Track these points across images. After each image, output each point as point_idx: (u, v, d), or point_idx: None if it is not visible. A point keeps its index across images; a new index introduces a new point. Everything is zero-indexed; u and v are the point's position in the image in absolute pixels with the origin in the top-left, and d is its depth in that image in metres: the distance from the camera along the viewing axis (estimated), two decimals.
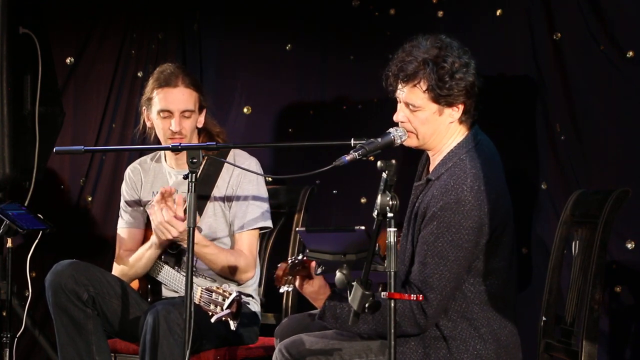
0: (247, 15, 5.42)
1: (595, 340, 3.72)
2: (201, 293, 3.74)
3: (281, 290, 3.69)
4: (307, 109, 5.30)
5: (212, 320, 3.70)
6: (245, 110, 5.42)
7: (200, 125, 4.47)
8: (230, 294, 3.70)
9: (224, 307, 3.68)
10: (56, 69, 5.52)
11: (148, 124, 4.48)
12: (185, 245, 4.19)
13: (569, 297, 4.00)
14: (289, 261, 3.66)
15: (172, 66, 4.45)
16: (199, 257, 4.27)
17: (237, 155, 4.44)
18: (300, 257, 3.67)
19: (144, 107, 4.48)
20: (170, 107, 4.37)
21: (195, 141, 4.44)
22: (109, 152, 5.56)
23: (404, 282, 3.65)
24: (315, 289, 3.70)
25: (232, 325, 3.72)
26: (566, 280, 4.10)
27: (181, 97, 4.37)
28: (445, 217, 3.57)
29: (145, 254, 4.38)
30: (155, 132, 4.47)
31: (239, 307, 3.71)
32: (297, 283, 3.70)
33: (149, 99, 4.42)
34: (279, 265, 3.69)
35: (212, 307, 3.70)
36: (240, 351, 4.38)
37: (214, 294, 3.72)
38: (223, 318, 3.69)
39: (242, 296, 3.75)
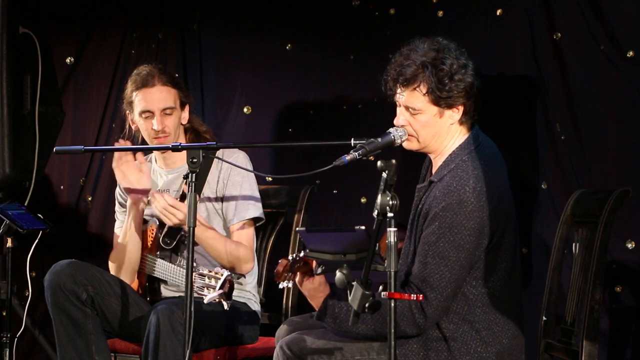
0: (247, 15, 5.42)
1: (596, 340, 3.72)
2: (194, 278, 3.75)
3: (280, 286, 3.69)
4: (307, 109, 5.30)
5: (205, 301, 3.74)
6: (245, 110, 5.42)
7: (184, 122, 4.49)
8: (222, 275, 3.73)
9: (217, 287, 3.71)
10: (56, 69, 5.52)
11: (133, 127, 4.51)
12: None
13: (569, 297, 4.00)
14: (290, 258, 3.66)
15: (149, 67, 4.48)
16: (199, 241, 4.27)
17: (225, 150, 4.44)
18: (301, 254, 3.67)
19: (127, 111, 4.50)
20: (150, 106, 4.39)
21: (182, 139, 4.47)
22: (108, 152, 5.55)
23: (403, 282, 3.65)
24: (315, 286, 3.70)
25: (226, 305, 3.75)
26: (566, 280, 4.10)
27: (159, 95, 4.40)
28: (447, 217, 3.57)
29: (127, 227, 4.40)
30: (142, 135, 4.49)
31: (230, 287, 3.75)
32: (297, 279, 3.70)
33: (130, 102, 4.46)
34: (279, 261, 3.69)
35: (205, 291, 3.73)
36: (240, 351, 4.38)
37: (206, 277, 3.75)
38: (216, 299, 3.71)
39: (234, 276, 3.77)
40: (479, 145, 3.71)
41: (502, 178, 3.71)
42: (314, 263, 3.66)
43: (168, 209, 4.22)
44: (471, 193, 3.58)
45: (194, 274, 3.76)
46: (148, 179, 4.43)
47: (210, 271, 3.77)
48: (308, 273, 3.70)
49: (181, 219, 4.22)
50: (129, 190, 4.41)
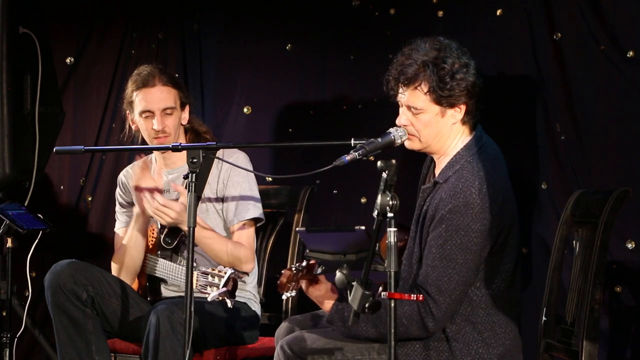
0: (247, 15, 5.42)
1: (596, 340, 3.72)
2: (197, 277, 3.76)
3: (284, 297, 3.69)
4: (307, 109, 5.30)
5: (209, 299, 3.73)
6: (245, 110, 5.42)
7: (184, 122, 4.49)
8: (225, 273, 3.73)
9: (220, 286, 3.70)
10: (56, 69, 5.52)
11: (133, 127, 4.52)
12: (184, 227, 4.26)
13: (569, 297, 4.00)
14: (293, 268, 3.65)
15: (149, 67, 4.49)
16: (197, 241, 4.26)
17: (226, 150, 4.44)
18: (303, 263, 3.66)
19: (127, 111, 4.51)
20: (150, 106, 4.40)
21: (182, 139, 4.48)
22: (109, 152, 5.56)
23: (411, 285, 3.64)
24: (322, 293, 3.69)
25: (229, 303, 3.76)
26: (566, 280, 4.10)
27: (160, 95, 4.40)
28: (454, 220, 3.56)
29: (133, 232, 4.40)
30: (142, 135, 4.49)
31: (234, 285, 3.75)
32: (303, 287, 3.69)
33: (130, 102, 4.47)
34: (282, 271, 3.66)
35: (209, 289, 3.73)
36: (240, 351, 4.38)
37: (209, 276, 3.75)
38: (219, 297, 3.71)
39: (237, 274, 3.77)
40: (483, 146, 3.71)
41: (505, 180, 3.71)
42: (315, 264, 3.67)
43: (160, 208, 4.23)
44: (477, 194, 3.58)
45: (197, 272, 3.76)
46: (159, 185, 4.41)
47: (213, 269, 3.77)
48: (313, 280, 3.70)
49: (173, 217, 4.23)
50: (139, 199, 4.39)
